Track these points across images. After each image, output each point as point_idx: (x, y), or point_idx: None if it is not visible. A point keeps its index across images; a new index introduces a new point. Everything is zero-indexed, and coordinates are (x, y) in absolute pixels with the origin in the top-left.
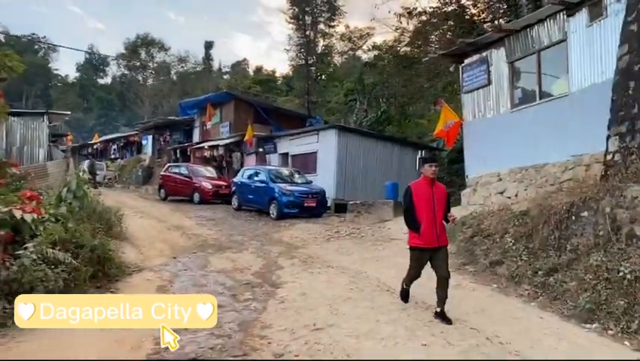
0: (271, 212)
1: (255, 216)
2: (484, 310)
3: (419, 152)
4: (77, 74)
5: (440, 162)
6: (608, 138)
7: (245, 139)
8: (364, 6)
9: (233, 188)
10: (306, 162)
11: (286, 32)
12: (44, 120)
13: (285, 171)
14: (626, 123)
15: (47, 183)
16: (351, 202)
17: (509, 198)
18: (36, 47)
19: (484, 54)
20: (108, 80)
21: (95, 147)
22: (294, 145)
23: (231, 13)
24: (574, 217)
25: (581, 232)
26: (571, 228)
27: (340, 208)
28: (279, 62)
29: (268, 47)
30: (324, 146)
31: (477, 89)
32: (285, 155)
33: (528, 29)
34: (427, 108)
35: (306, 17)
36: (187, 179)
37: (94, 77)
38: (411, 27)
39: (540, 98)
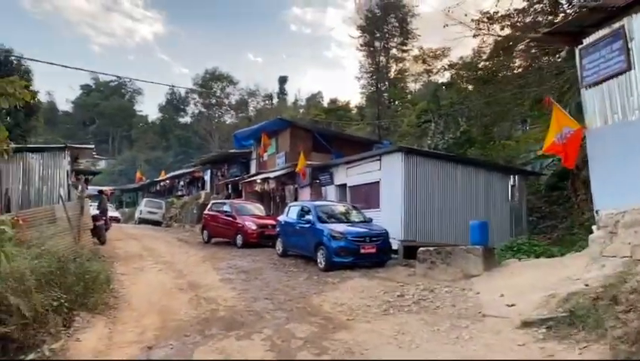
0: (318, 261)
1: (301, 266)
2: None
3: (511, 178)
4: (159, 115)
5: (537, 189)
6: None
7: (296, 169)
8: (438, 26)
9: (278, 229)
10: (368, 195)
11: (358, 62)
12: (65, 157)
13: (340, 208)
14: None
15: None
16: (422, 249)
17: None
18: (122, 90)
19: (617, 25)
20: (187, 119)
21: (162, 184)
22: (352, 174)
23: (306, 51)
24: None
25: None
26: None
27: (411, 252)
28: (354, 95)
29: (343, 80)
30: (389, 174)
31: (609, 78)
32: (343, 186)
33: None
34: (514, 128)
35: (377, 43)
36: (230, 218)
37: (175, 117)
38: (494, 33)
39: None
